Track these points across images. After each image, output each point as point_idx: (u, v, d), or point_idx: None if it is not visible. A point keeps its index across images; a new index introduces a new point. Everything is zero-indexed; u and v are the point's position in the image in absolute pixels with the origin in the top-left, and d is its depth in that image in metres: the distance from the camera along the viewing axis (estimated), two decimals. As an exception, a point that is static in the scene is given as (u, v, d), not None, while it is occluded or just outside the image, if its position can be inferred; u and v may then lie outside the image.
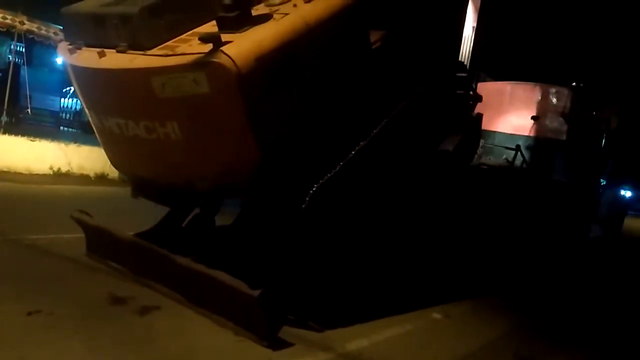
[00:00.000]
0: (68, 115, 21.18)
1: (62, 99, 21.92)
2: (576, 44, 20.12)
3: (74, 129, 19.01)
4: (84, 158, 11.01)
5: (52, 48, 16.84)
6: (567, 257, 10.15)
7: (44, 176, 10.33)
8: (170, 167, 4.47)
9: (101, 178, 11.01)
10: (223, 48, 3.71)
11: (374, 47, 4.91)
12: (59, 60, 17.36)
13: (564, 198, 9.75)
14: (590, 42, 20.34)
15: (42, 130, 14.29)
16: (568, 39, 19.85)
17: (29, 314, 3.96)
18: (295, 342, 4.13)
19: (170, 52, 4.02)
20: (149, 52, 4.12)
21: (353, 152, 4.53)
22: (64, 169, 10.74)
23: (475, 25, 7.35)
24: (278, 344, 4.01)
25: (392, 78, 5.12)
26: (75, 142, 11.43)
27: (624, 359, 5.56)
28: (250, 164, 4.02)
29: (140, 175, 5.02)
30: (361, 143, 4.61)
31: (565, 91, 10.28)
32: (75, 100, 20.50)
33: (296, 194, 4.22)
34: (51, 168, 10.58)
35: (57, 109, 21.07)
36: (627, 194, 18.99)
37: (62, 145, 11.03)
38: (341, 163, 4.43)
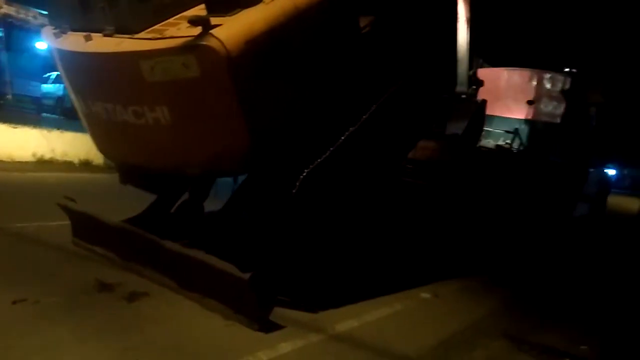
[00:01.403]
0: (50, 101, 20.79)
1: (44, 85, 21.51)
2: (563, 28, 20.57)
3: (56, 115, 18.69)
4: (68, 144, 10.89)
5: (32, 32, 16.46)
6: (555, 236, 10.47)
7: (27, 163, 10.17)
8: (160, 152, 4.43)
9: (85, 165, 10.90)
10: (213, 31, 3.68)
11: (363, 32, 4.90)
12: (40, 45, 17.03)
13: (557, 177, 10.16)
14: (576, 26, 20.80)
15: (24, 116, 14.03)
16: (555, 25, 20.28)
17: (14, 302, 3.91)
18: (286, 324, 4.17)
19: (159, 36, 3.98)
20: (136, 36, 4.07)
21: (343, 137, 4.55)
22: (47, 156, 10.60)
23: (467, 16, 7.51)
24: (268, 327, 4.04)
25: (382, 63, 5.12)
26: (58, 129, 11.30)
27: (611, 335, 5.67)
28: (240, 148, 4.01)
29: (128, 161, 4.97)
30: (351, 128, 4.63)
31: (558, 76, 10.59)
32: (57, 85, 20.14)
33: (287, 179, 4.23)
34: (34, 155, 10.43)
35: (39, 95, 20.68)
36: (611, 172, 19.48)
37: (45, 131, 10.90)
38: (331, 148, 4.45)
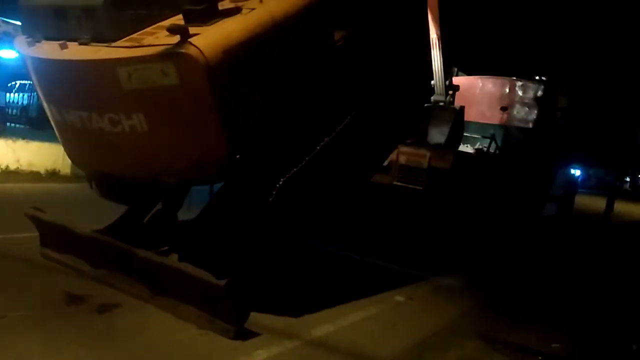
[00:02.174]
0: (14, 110, 20.23)
1: (8, 94, 20.92)
2: (533, 38, 21.57)
3: (21, 124, 18.19)
4: (34, 154, 10.59)
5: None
6: (526, 235, 10.90)
7: (-9, 174, 9.85)
8: (136, 160, 4.39)
9: (52, 175, 10.60)
10: (191, 39, 3.73)
11: (337, 44, 5.03)
12: (3, 53, 16.54)
13: (529, 179, 10.70)
14: (544, 35, 21.87)
15: (-13, 127, 13.58)
16: (526, 34, 21.26)
17: (-19, 317, 3.81)
18: (261, 331, 4.17)
19: (137, 44, 4.00)
20: (113, 44, 4.07)
21: (319, 147, 4.64)
22: (12, 167, 10.29)
23: (438, 33, 7.88)
24: (244, 335, 4.02)
25: (355, 76, 5.26)
26: (23, 138, 10.99)
27: (582, 333, 5.81)
28: (218, 157, 4.05)
29: (103, 170, 4.88)
30: (326, 138, 4.73)
31: (529, 84, 11.19)
32: (21, 94, 19.63)
33: (263, 187, 4.28)
34: (-2, 166, 10.11)
35: (3, 104, 20.10)
36: (577, 172, 20.18)
37: (10, 141, 10.58)
38: (307, 157, 4.53)
